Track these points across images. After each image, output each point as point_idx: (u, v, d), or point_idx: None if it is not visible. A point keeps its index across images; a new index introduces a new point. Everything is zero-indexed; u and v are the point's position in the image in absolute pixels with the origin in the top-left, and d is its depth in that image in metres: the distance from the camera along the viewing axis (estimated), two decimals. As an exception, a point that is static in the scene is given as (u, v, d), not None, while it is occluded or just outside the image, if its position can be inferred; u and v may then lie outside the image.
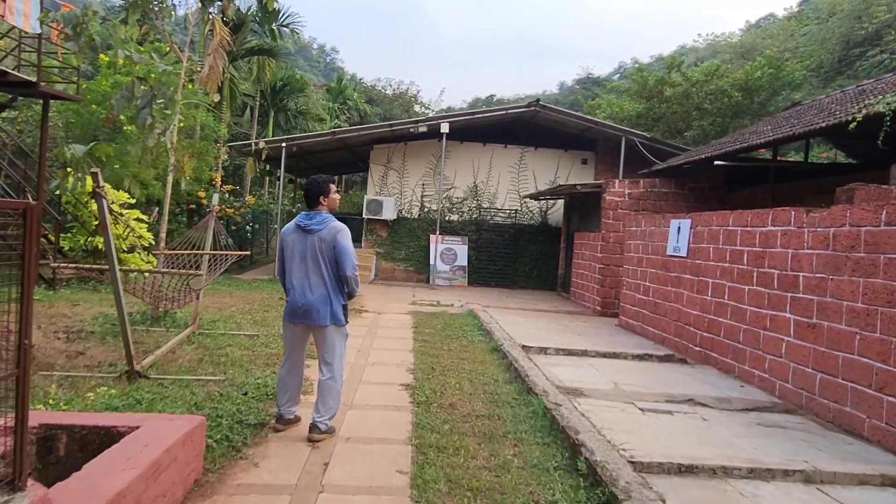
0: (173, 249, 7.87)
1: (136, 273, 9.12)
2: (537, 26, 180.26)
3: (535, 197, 16.35)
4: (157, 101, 7.24)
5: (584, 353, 7.71)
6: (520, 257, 17.21)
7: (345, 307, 4.44)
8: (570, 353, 7.70)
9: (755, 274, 6.92)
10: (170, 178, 9.95)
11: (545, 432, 4.70)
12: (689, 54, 36.61)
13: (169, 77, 8.73)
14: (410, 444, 4.43)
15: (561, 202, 16.79)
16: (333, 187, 4.50)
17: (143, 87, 7.25)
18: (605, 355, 7.72)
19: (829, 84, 25.20)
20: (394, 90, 49.95)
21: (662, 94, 22.77)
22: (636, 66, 23.35)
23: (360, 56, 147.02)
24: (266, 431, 4.49)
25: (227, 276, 15.98)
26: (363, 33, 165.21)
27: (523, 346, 7.68)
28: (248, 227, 20.91)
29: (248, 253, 12.00)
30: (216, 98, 15.02)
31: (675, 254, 8.95)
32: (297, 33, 23.13)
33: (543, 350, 7.70)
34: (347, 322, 4.50)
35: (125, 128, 14.81)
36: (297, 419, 4.60)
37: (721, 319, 7.57)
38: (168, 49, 16.27)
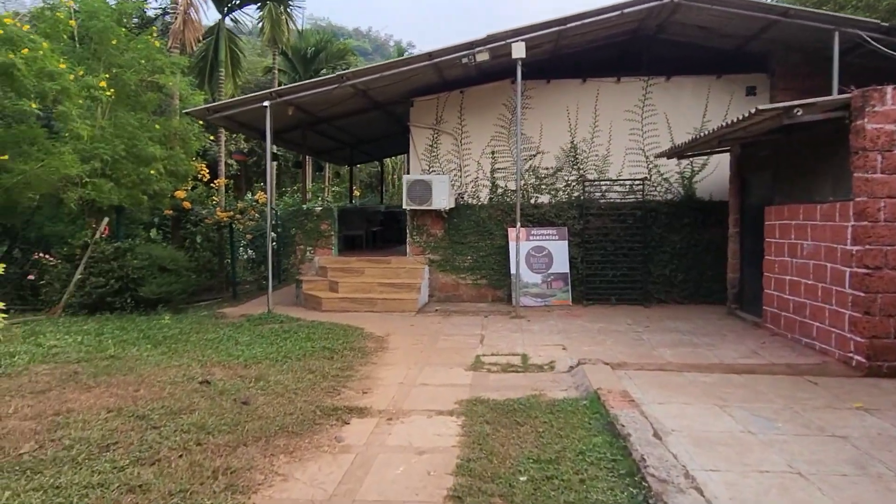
0: None
1: None
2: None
3: (678, 154, 9.86)
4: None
5: None
6: (654, 254, 10.77)
7: None
8: None
9: None
10: None
11: None
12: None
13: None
14: None
15: (721, 160, 10.22)
16: None
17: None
18: None
19: None
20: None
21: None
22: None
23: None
24: None
25: (210, 310, 10.70)
26: (446, 34, 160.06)
27: None
28: (274, 235, 15.58)
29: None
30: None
31: None
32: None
33: None
34: None
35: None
36: None
37: None
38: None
